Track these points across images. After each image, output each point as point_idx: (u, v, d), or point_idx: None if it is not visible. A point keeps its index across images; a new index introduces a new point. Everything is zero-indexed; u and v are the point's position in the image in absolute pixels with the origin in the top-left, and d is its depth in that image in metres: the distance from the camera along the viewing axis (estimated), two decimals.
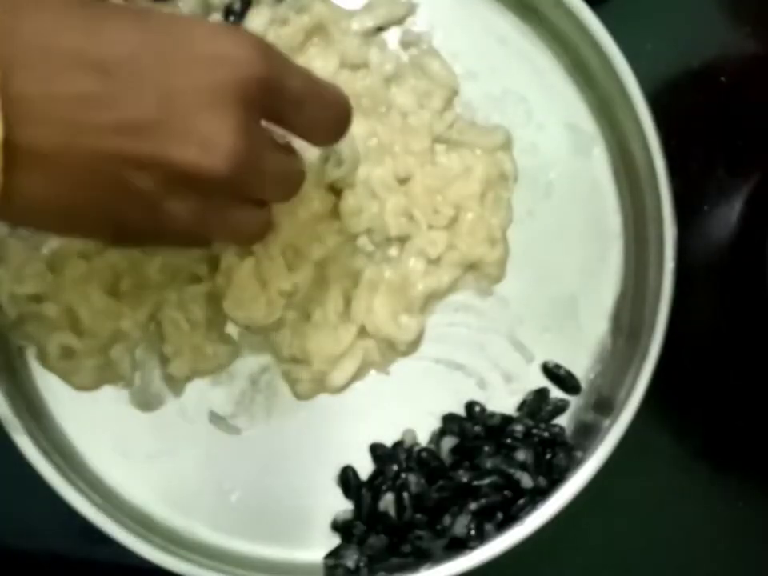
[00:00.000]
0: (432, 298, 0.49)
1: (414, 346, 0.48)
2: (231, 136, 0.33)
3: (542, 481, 0.46)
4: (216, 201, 0.36)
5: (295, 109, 0.37)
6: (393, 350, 0.48)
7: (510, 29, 0.51)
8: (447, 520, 0.46)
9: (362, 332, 0.48)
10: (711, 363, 0.53)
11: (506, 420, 0.48)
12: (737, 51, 0.55)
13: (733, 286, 0.53)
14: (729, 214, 0.53)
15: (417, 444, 0.48)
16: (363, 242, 0.49)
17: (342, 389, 0.48)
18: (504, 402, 0.48)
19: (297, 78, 0.37)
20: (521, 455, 0.46)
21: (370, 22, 0.50)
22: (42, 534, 0.49)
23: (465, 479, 0.46)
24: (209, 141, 0.33)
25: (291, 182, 0.40)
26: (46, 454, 0.45)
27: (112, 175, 0.33)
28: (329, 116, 0.39)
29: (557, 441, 0.47)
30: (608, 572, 0.52)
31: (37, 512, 0.48)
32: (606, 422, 0.46)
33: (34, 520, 0.49)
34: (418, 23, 0.50)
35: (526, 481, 0.46)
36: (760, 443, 0.53)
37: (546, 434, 0.47)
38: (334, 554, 0.46)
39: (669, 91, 0.54)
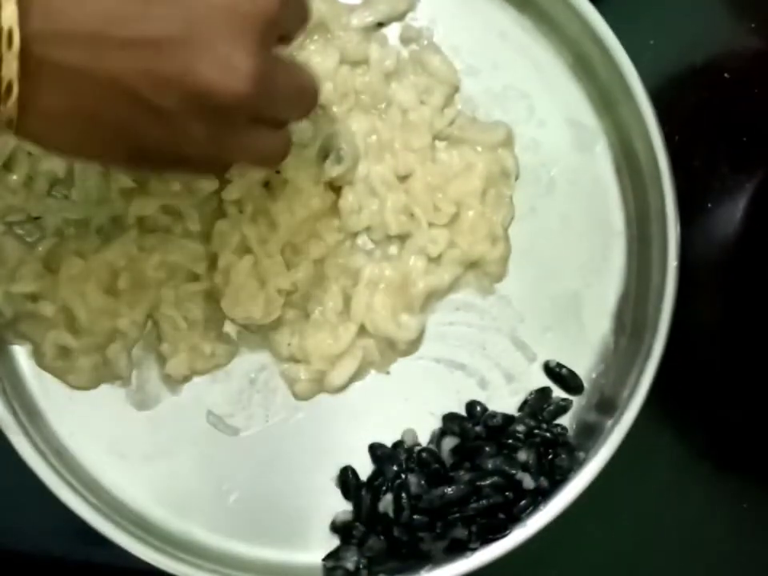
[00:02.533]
0: (432, 297, 0.48)
1: (414, 345, 0.48)
2: (250, 59, 0.35)
3: (544, 482, 0.46)
4: (233, 123, 0.37)
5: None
6: (393, 349, 0.48)
7: (512, 24, 0.50)
8: (447, 521, 0.45)
9: (362, 331, 0.47)
10: (715, 362, 0.53)
11: (508, 420, 0.47)
12: (740, 47, 0.55)
13: (737, 284, 0.53)
14: (733, 212, 0.53)
15: (417, 444, 0.47)
16: (363, 240, 0.48)
17: (341, 389, 0.48)
18: (505, 401, 0.48)
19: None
20: (522, 456, 0.46)
21: (369, 18, 0.49)
22: (38, 535, 0.49)
23: (466, 480, 0.46)
24: (229, 63, 0.34)
25: (305, 100, 0.41)
26: (42, 454, 0.44)
27: (133, 92, 0.34)
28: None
29: (559, 441, 0.47)
30: (609, 573, 0.52)
31: (33, 513, 0.48)
32: (609, 422, 0.46)
33: (31, 522, 0.49)
34: (418, 19, 0.50)
35: (528, 482, 0.45)
36: (763, 443, 0.53)
37: (547, 435, 0.47)
38: (333, 556, 0.46)
39: (672, 87, 0.54)
